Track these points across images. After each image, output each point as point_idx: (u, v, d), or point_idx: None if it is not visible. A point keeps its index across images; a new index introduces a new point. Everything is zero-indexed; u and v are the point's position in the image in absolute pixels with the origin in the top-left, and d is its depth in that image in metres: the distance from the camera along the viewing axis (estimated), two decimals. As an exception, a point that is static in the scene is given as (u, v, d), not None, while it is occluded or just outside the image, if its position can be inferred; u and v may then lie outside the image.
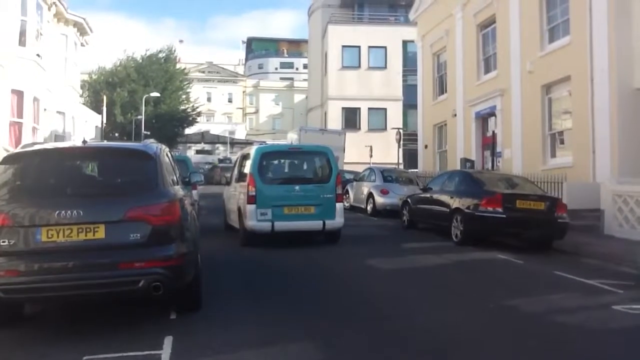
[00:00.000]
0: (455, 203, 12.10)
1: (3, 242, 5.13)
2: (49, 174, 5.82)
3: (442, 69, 26.74)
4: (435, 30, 26.78)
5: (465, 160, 20.96)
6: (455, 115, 23.99)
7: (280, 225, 10.78)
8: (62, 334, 5.69)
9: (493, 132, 21.00)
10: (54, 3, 22.35)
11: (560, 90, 17.64)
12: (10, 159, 5.85)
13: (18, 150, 6.32)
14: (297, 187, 11.10)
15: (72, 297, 5.46)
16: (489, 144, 21.63)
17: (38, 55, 19.25)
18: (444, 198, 12.68)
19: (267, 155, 11.46)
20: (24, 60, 18.24)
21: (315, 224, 11.00)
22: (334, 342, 5.38)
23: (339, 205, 11.25)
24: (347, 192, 20.90)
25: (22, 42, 18.45)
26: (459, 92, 23.92)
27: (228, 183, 13.51)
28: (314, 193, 11.05)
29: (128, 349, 5.07)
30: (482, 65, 22.53)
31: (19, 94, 18.27)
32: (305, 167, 12.20)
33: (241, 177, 11.90)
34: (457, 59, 24.25)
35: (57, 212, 5.17)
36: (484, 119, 22.36)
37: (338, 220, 11.21)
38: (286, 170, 12.20)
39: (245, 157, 12.22)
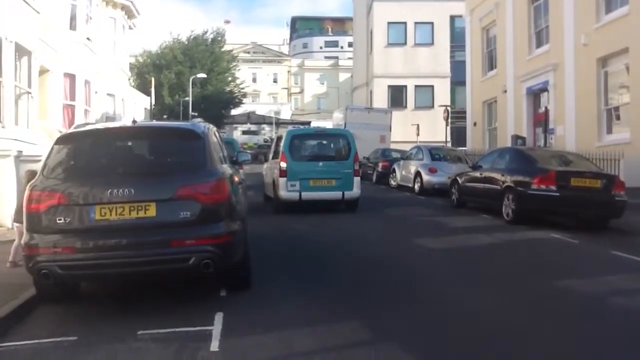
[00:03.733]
0: (506, 181, 11.78)
1: (59, 220, 5.26)
2: (101, 153, 5.93)
3: (492, 43, 26.01)
4: (485, 3, 26.01)
5: (516, 138, 20.39)
6: (506, 91, 23.34)
7: (307, 194, 12.69)
8: (116, 310, 5.84)
9: (545, 108, 20.33)
10: (103, -13, 22.75)
11: (617, 64, 16.89)
12: (63, 140, 5.97)
13: (71, 130, 6.45)
14: (320, 164, 13.10)
15: (126, 274, 5.57)
16: (540, 120, 20.95)
17: (88, 38, 19.65)
18: (495, 176, 12.36)
19: (297, 137, 13.50)
20: (75, 44, 18.65)
21: (336, 194, 12.88)
22: (382, 324, 5.30)
23: (356, 179, 13.08)
24: (394, 171, 20.71)
25: (72, 26, 18.86)
26: (510, 67, 23.23)
27: (266, 160, 15.23)
28: (335, 168, 12.92)
29: (180, 324, 5.16)
30: (533, 39, 21.78)
31: (71, 77, 18.73)
32: (328, 146, 14.07)
33: (275, 155, 13.81)
34: (507, 33, 23.52)
35: (109, 190, 5.26)
36: (535, 94, 21.68)
37: (355, 191, 13.08)
38: (312, 149, 13.97)
39: (279, 138, 14.32)
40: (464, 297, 6.24)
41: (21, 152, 11.31)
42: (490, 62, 26.15)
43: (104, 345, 4.82)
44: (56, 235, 5.28)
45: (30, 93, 14.38)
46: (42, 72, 16.18)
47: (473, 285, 6.80)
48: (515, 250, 9.22)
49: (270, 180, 13.87)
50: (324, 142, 14.30)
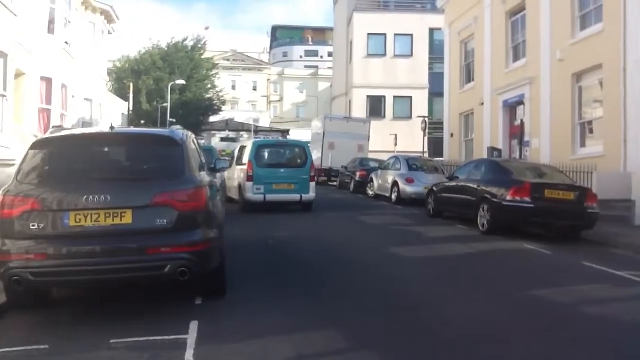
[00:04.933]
0: (482, 192, 11.93)
1: (33, 225, 5.19)
2: (77, 159, 5.85)
3: (470, 56, 26.35)
4: (464, 17, 26.37)
5: (492, 149, 20.68)
6: (483, 103, 23.65)
7: (270, 197, 14.49)
8: (89, 318, 5.76)
9: (521, 121, 20.62)
10: (82, -9, 22.55)
11: (592, 79, 17.23)
12: (39, 144, 5.89)
13: (47, 135, 6.37)
14: (282, 170, 15.02)
15: (100, 281, 5.52)
16: (516, 133, 21.24)
17: (66, 42, 19.46)
18: (471, 187, 12.51)
19: (261, 147, 15.57)
20: (53, 47, 18.44)
21: (295, 197, 14.79)
22: (359, 331, 5.34)
23: (312, 184, 15.02)
24: (372, 180, 20.80)
25: (51, 29, 18.65)
26: (487, 80, 23.55)
27: (230, 166, 15.83)
28: (294, 174, 14.74)
29: (154, 333, 5.11)
30: (511, 53, 22.12)
31: (48, 81, 18.50)
32: (288, 155, 15.82)
33: (239, 161, 15.71)
34: (485, 46, 23.86)
35: (85, 197, 5.21)
36: (512, 107, 21.99)
37: (311, 195, 14.99)
38: (274, 157, 15.64)
39: (243, 147, 16.36)
40: (439, 305, 6.31)
41: (-6, 156, 11.14)
42: (468, 74, 26.49)
43: (75, 354, 4.74)
44: (29, 241, 5.21)
45: (5, 96, 14.18)
46: (18, 75, 15.97)
47: (449, 293, 6.86)
48: (490, 260, 9.34)
49: (236, 184, 15.54)
50: (285, 151, 16.17)
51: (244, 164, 14.91)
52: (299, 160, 15.26)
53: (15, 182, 5.46)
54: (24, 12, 15.30)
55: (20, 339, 5.06)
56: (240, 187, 15.03)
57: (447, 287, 7.24)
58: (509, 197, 11.14)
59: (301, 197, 14.77)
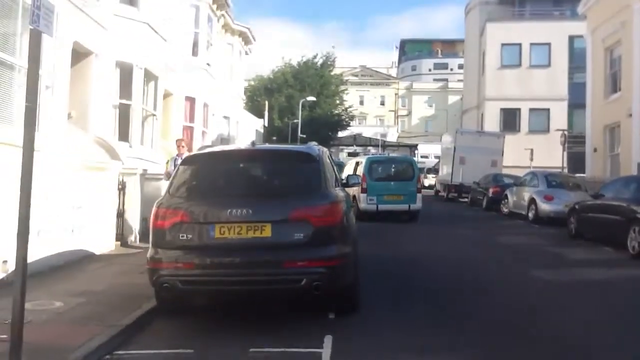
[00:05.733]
0: (632, 212, 10.94)
1: (182, 236, 5.53)
2: (222, 174, 6.20)
3: (616, 64, 24.42)
4: (609, 23, 24.54)
5: (643, 165, 18.94)
6: (631, 115, 21.77)
7: (382, 207, 16.06)
8: (228, 326, 6.00)
9: (677, 133, 18.75)
10: (223, 15, 24.02)
11: None
12: (188, 161, 6.34)
13: (195, 152, 6.81)
14: (392, 183, 16.67)
15: (240, 291, 5.74)
16: (671, 147, 19.34)
17: (208, 64, 20.78)
18: (620, 206, 11.53)
19: (374, 162, 17.56)
20: (196, 69, 19.79)
21: (404, 207, 16.33)
22: (493, 356, 5.07)
23: (418, 195, 16.52)
24: (506, 197, 19.93)
25: (194, 52, 20.03)
26: (636, 89, 21.64)
27: None
28: (402, 187, 16.30)
29: (290, 344, 5.22)
30: (664, 60, 20.21)
31: (192, 100, 19.84)
32: (397, 170, 17.50)
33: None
34: (634, 53, 21.98)
35: (228, 210, 5.47)
36: (665, 119, 20.05)
37: (418, 205, 16.51)
38: (385, 171, 17.36)
39: (358, 163, 18.33)
40: (584, 338, 5.77)
41: (146, 170, 12.10)
42: (614, 84, 24.55)
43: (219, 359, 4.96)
44: (178, 250, 5.56)
45: (155, 115, 15.39)
46: (166, 95, 17.29)
47: (595, 324, 6.29)
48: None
49: (351, 196, 16.70)
50: (394, 166, 17.81)
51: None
52: (407, 174, 16.88)
53: (167, 195, 5.89)
54: (172, 37, 16.58)
55: (168, 342, 5.39)
56: (355, 198, 15.59)
57: (592, 317, 6.62)
58: (665, 218, 10.12)
59: (409, 206, 16.29)
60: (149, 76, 14.80)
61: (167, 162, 11.56)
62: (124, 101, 13.78)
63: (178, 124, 19.20)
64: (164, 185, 10.55)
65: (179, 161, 9.62)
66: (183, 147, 11.45)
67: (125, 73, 13.77)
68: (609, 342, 5.61)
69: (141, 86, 14.23)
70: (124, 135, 13.76)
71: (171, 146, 17.64)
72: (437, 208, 24.14)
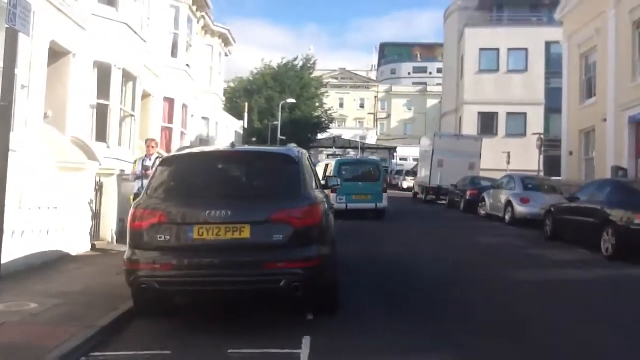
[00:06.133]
0: (606, 214, 11.14)
1: (160, 237, 5.49)
2: (200, 175, 6.16)
3: (591, 70, 24.86)
4: (584, 29, 24.98)
5: (617, 169, 19.26)
6: (606, 119, 22.16)
7: (351, 205, 16.84)
8: (207, 327, 5.97)
9: (650, 138, 19.14)
10: (203, 16, 23.93)
11: None
12: (166, 162, 6.30)
13: (174, 153, 6.77)
14: (360, 184, 17.65)
15: (218, 292, 5.73)
16: (644, 151, 19.73)
17: (187, 65, 20.68)
18: (594, 209, 11.73)
19: (343, 164, 18.88)
20: (175, 70, 19.68)
21: (371, 205, 17.41)
22: (473, 356, 5.13)
23: (384, 195, 17.91)
24: (483, 199, 20.15)
25: (174, 53, 19.91)
26: (610, 95, 22.05)
27: None
28: (370, 187, 17.33)
29: (268, 345, 5.21)
30: (638, 66, 20.58)
31: (171, 102, 19.72)
32: (364, 171, 18.69)
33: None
34: (609, 59, 22.39)
35: (207, 211, 5.45)
36: (638, 124, 20.45)
37: (384, 204, 17.80)
38: (354, 173, 18.40)
39: (327, 165, 19.53)
40: (562, 338, 5.84)
41: (123, 171, 12.00)
42: (589, 89, 24.98)
43: (196, 360, 4.96)
44: (156, 252, 5.52)
45: (133, 116, 15.26)
46: (145, 96, 17.15)
47: (570, 325, 6.38)
48: (615, 289, 8.65)
49: None
50: (362, 167, 19.31)
51: None
52: (373, 176, 18.25)
53: (145, 196, 5.84)
54: (151, 38, 16.47)
55: (146, 343, 5.36)
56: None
57: (566, 318, 6.70)
58: (637, 221, 10.33)
59: (376, 205, 17.48)
60: (127, 76, 14.67)
61: (135, 163, 10.63)
62: (102, 101, 13.65)
63: (157, 125, 19.05)
64: (132, 187, 10.38)
65: (148, 162, 9.52)
66: (153, 147, 10.55)
67: (104, 73, 13.65)
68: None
69: (119, 87, 14.10)
70: (101, 135, 13.63)
71: (149, 147, 17.55)
72: (415, 210, 24.36)
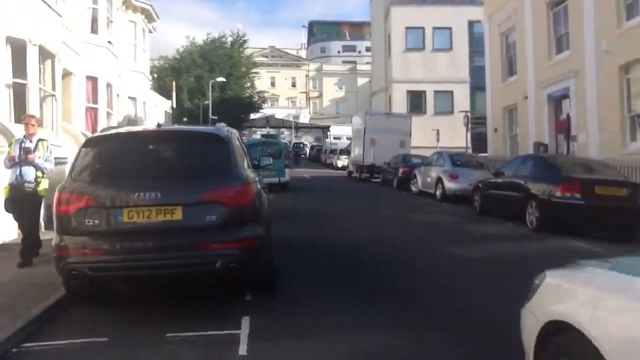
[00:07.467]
0: (530, 189, 11.67)
1: (88, 222, 5.29)
2: (128, 157, 5.92)
3: (511, 49, 25.78)
4: (503, 9, 25.81)
5: (538, 145, 20.18)
6: (527, 97, 23.10)
7: None
8: (145, 312, 5.85)
9: (567, 114, 20.10)
10: (124, -9, 22.96)
11: (641, 71, 16.61)
12: (91, 143, 6.00)
13: (98, 134, 6.47)
14: None
15: (153, 276, 5.58)
16: (562, 127, 20.72)
17: (109, 42, 19.82)
18: (518, 183, 12.26)
19: (251, 145, 20.37)
20: (96, 47, 18.81)
21: (275, 180, 19.16)
22: (414, 334, 5.21)
23: (287, 170, 21.41)
24: (415, 177, 20.61)
25: (94, 29, 19.01)
26: (530, 73, 23.00)
27: None
28: (274, 164, 17.97)
29: (208, 327, 5.18)
30: (553, 45, 21.50)
31: (94, 80, 18.88)
32: (269, 150, 20.38)
33: None
34: (526, 38, 23.29)
35: (137, 194, 5.28)
36: (557, 101, 21.44)
37: (287, 178, 21.13)
38: (261, 152, 18.77)
39: None
40: (495, 307, 6.06)
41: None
42: (510, 67, 25.92)
43: (133, 346, 4.84)
44: (85, 237, 5.32)
45: (54, 96, 14.50)
46: (66, 75, 16.33)
47: (502, 295, 6.67)
48: (542, 259, 9.06)
49: None
50: (268, 146, 21.96)
51: None
52: (277, 154, 20.37)
53: (70, 180, 5.57)
54: (67, 13, 15.62)
55: (81, 331, 5.19)
56: None
57: (499, 288, 7.00)
58: (557, 194, 10.87)
59: (279, 179, 19.81)
60: (44, 54, 13.87)
61: (11, 145, 8.39)
62: (19, 80, 12.87)
63: (80, 105, 18.24)
64: (2, 173, 8.78)
65: (28, 144, 7.95)
66: (33, 125, 8.33)
67: (19, 50, 12.85)
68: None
69: (37, 64, 13.30)
70: (21, 117, 12.87)
71: (75, 129, 16.78)
72: (350, 188, 24.63)
